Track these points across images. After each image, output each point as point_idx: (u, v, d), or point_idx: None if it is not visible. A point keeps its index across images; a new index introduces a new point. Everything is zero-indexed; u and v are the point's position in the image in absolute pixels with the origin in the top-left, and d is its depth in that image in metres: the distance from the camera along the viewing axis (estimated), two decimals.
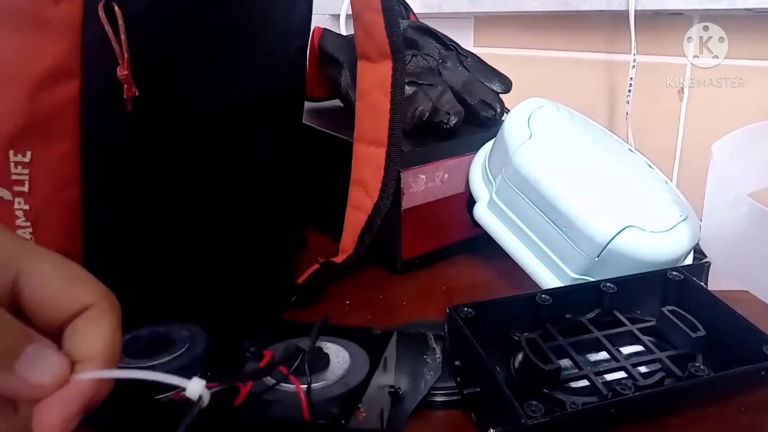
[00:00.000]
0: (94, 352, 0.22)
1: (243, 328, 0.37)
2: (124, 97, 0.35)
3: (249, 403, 0.30)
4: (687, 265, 0.44)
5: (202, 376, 0.23)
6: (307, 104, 0.60)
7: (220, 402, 0.30)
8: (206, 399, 0.22)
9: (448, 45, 0.61)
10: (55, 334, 0.23)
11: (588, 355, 0.38)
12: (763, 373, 0.35)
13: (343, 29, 0.92)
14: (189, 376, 0.26)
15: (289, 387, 0.31)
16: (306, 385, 0.30)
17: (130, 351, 0.33)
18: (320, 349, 0.33)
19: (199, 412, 0.23)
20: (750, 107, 0.65)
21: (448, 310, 0.37)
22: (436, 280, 0.52)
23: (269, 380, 0.31)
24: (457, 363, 0.35)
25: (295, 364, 0.31)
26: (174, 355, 0.32)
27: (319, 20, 0.95)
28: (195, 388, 0.22)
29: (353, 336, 0.35)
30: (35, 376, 0.21)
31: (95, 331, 0.22)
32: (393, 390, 0.33)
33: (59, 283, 0.23)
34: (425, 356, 0.35)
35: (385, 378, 0.33)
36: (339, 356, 0.33)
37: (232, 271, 0.44)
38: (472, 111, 0.56)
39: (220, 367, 0.33)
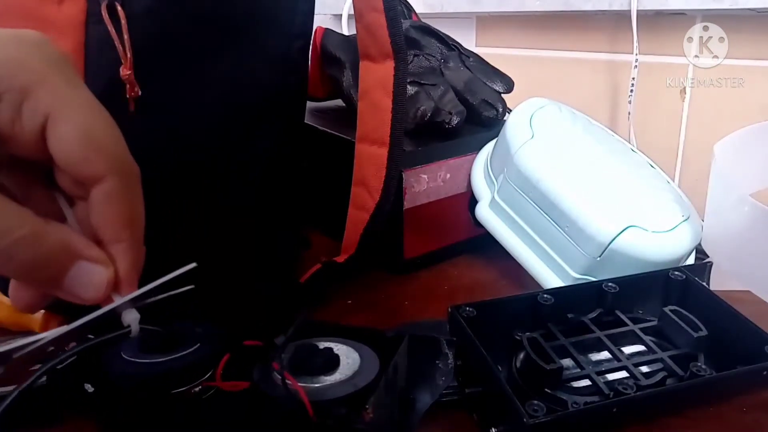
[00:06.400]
0: (115, 233, 0.23)
1: (245, 329, 0.37)
2: (127, 96, 0.35)
3: (248, 399, 0.30)
4: (689, 265, 0.44)
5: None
6: (309, 104, 0.60)
7: (219, 401, 0.30)
8: (134, 331, 0.25)
9: (450, 45, 0.61)
10: (85, 191, 0.23)
11: (590, 355, 0.38)
12: (765, 372, 0.35)
13: (345, 29, 0.92)
14: (203, 373, 0.31)
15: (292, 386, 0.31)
16: (288, 381, 0.30)
17: (144, 346, 0.33)
18: (330, 349, 0.33)
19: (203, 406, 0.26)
20: (751, 107, 0.65)
21: (450, 310, 0.37)
22: (437, 279, 0.52)
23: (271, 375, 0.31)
24: (458, 362, 0.35)
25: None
26: (187, 351, 0.33)
27: (321, 20, 0.96)
28: (129, 317, 0.25)
29: (364, 338, 0.35)
30: (80, 291, 0.22)
31: (111, 209, 0.23)
32: (403, 394, 0.33)
33: (77, 144, 0.22)
34: (437, 361, 0.35)
35: (395, 381, 0.33)
36: (349, 358, 0.33)
37: (233, 271, 0.44)
38: (474, 111, 0.56)
39: (232, 364, 0.33)
